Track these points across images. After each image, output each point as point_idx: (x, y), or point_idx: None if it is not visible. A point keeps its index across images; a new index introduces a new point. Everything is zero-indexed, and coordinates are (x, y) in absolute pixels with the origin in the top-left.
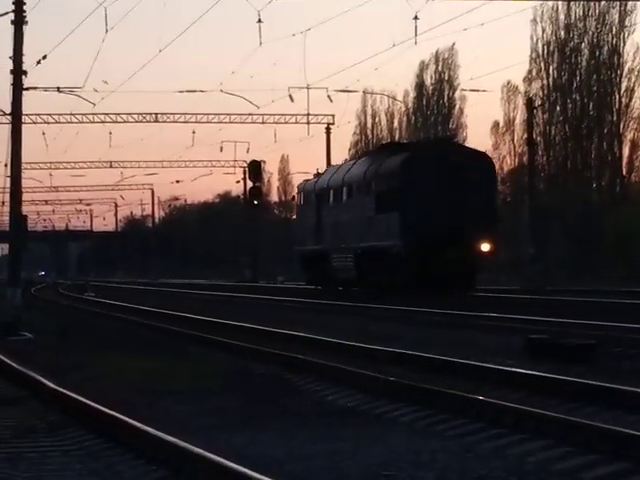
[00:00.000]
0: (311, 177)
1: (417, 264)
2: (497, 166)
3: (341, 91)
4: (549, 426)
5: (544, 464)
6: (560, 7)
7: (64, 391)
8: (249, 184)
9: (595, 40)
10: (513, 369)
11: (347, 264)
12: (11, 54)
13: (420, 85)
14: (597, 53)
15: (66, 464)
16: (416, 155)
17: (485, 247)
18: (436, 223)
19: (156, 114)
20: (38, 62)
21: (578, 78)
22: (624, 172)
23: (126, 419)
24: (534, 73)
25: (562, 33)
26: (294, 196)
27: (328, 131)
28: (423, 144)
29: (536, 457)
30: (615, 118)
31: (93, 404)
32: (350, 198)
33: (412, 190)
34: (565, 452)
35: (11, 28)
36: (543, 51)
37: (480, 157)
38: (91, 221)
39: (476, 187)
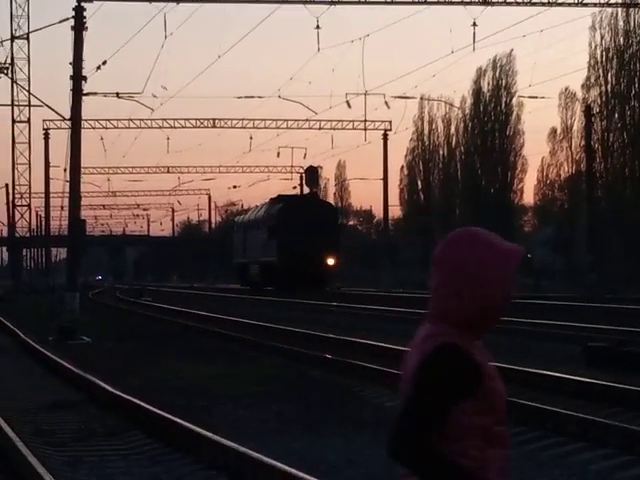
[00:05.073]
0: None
1: (287, 273)
2: (554, 173)
3: (399, 97)
4: (611, 435)
5: (606, 473)
6: (619, 14)
7: (123, 395)
8: (306, 190)
9: None
10: (574, 377)
11: (256, 272)
12: (71, 60)
13: (477, 91)
14: None
15: (126, 468)
16: (287, 205)
17: (330, 262)
18: (298, 247)
19: (214, 120)
20: (98, 68)
21: (637, 85)
22: None
23: (185, 423)
24: (592, 80)
25: (621, 40)
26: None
27: (385, 137)
28: (293, 198)
29: (598, 465)
30: None
31: (152, 408)
32: (258, 229)
33: (284, 227)
34: (627, 461)
35: (71, 34)
36: (602, 58)
37: (327, 206)
38: (148, 226)
39: (324, 225)
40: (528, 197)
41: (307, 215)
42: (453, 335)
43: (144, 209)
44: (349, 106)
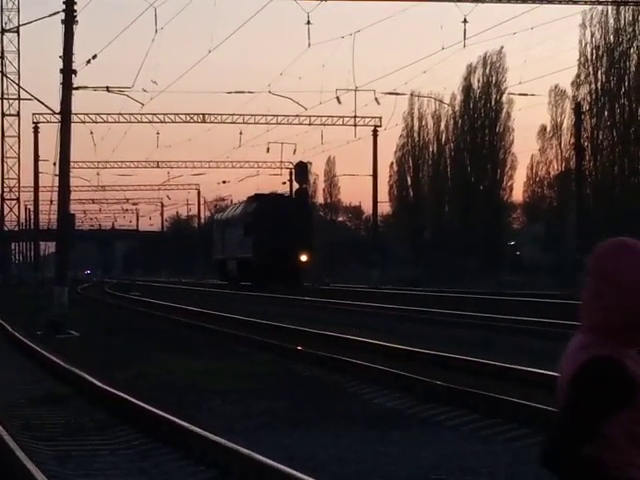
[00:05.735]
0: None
1: (263, 269)
2: (544, 170)
3: (389, 93)
4: None
5: None
6: (609, 11)
7: (111, 390)
8: (295, 185)
9: None
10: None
11: (233, 268)
12: (61, 53)
13: (467, 88)
14: None
15: (114, 463)
16: (262, 203)
17: (304, 258)
18: (273, 244)
19: (204, 114)
20: (88, 62)
21: (627, 83)
22: None
23: (174, 419)
24: (582, 77)
25: (611, 38)
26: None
27: (375, 133)
28: (268, 197)
29: None
30: None
31: (140, 403)
32: (235, 227)
33: (259, 224)
34: None
35: (61, 28)
36: (592, 55)
37: (302, 204)
38: (137, 220)
39: (298, 222)
40: (517, 194)
41: (281, 213)
42: (605, 346)
43: (133, 204)
44: (339, 102)
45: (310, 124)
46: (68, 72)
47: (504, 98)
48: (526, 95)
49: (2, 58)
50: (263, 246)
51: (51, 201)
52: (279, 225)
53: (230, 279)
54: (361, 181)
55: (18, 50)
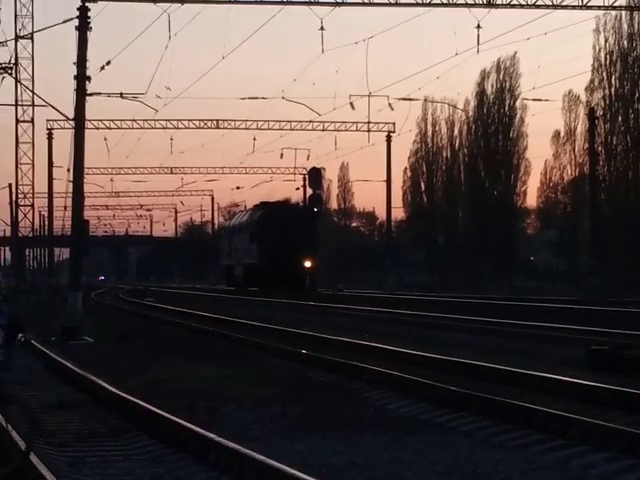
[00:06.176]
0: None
1: (268, 274)
2: (557, 176)
3: (402, 99)
4: (613, 438)
5: (607, 476)
6: (623, 17)
7: (125, 396)
8: (309, 191)
9: None
10: (576, 380)
11: (240, 273)
12: (75, 60)
13: (481, 94)
14: None
15: (128, 469)
16: (267, 212)
17: (308, 264)
18: (278, 250)
19: (217, 120)
20: (102, 68)
21: None
22: None
23: (188, 425)
24: (596, 83)
25: (625, 43)
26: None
27: (389, 139)
28: (273, 205)
29: (599, 469)
30: None
31: (154, 409)
32: (241, 234)
33: (264, 231)
34: (629, 465)
35: (75, 34)
36: (605, 61)
37: (306, 211)
38: (151, 226)
39: (302, 229)
40: (531, 200)
41: (286, 220)
42: None
43: (147, 210)
44: (353, 107)
45: (324, 130)
46: (82, 78)
47: (518, 103)
48: (540, 100)
49: (16, 64)
50: (268, 252)
51: (65, 207)
52: (283, 232)
53: (237, 284)
54: (375, 187)
55: (32, 56)
